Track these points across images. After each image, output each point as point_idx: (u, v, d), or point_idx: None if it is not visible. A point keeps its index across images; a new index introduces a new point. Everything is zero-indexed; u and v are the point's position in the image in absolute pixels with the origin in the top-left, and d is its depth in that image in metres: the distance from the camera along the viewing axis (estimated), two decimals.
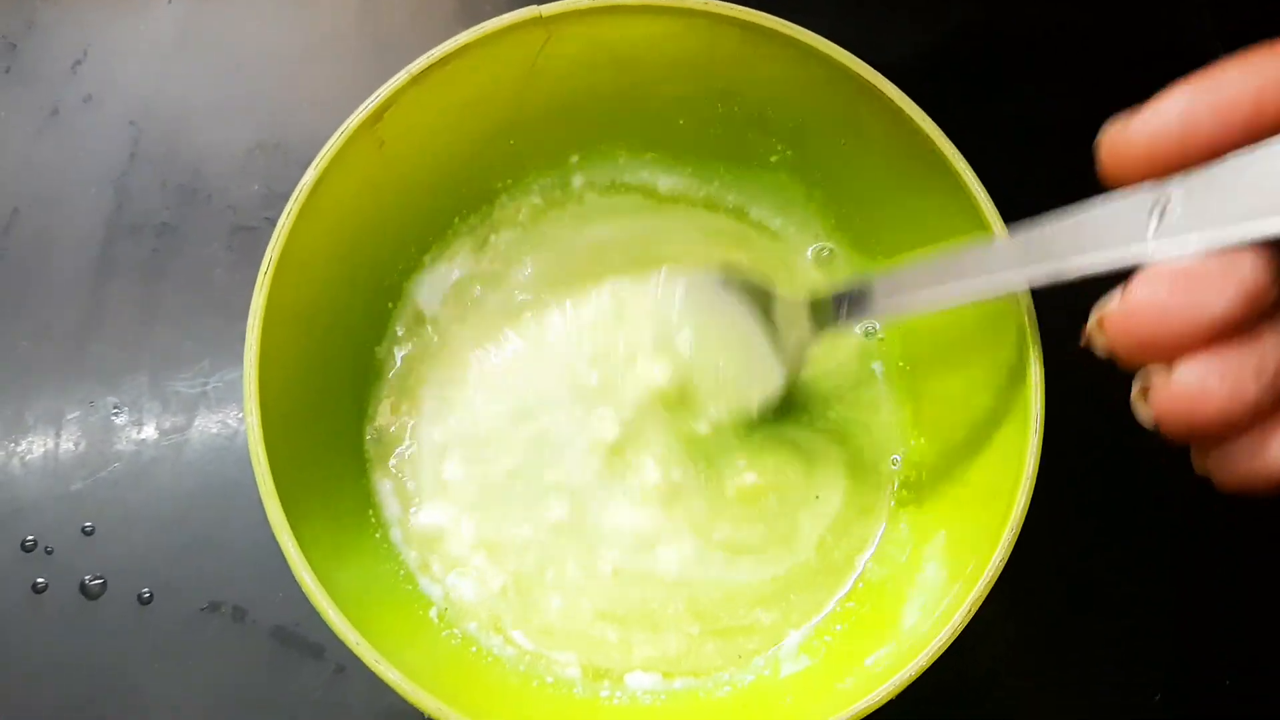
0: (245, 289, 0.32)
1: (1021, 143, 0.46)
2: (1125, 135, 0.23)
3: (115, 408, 0.43)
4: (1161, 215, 0.23)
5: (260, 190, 0.46)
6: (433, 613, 0.38)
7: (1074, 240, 0.25)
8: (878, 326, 0.42)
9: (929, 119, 0.34)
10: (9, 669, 0.40)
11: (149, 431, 0.43)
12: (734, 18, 0.35)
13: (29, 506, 0.42)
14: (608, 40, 0.36)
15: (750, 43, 0.35)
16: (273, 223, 0.45)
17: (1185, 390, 0.22)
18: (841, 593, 0.39)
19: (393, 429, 0.39)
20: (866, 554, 0.40)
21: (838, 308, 0.35)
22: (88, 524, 0.41)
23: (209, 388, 0.43)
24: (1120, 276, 0.23)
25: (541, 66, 0.36)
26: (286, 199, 0.45)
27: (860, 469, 0.40)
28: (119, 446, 0.42)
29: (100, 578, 0.41)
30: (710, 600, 0.39)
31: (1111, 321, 0.23)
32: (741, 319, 0.38)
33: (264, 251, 0.33)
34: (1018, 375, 0.34)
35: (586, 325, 0.41)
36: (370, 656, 0.30)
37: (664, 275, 0.41)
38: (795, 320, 0.37)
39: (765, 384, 0.38)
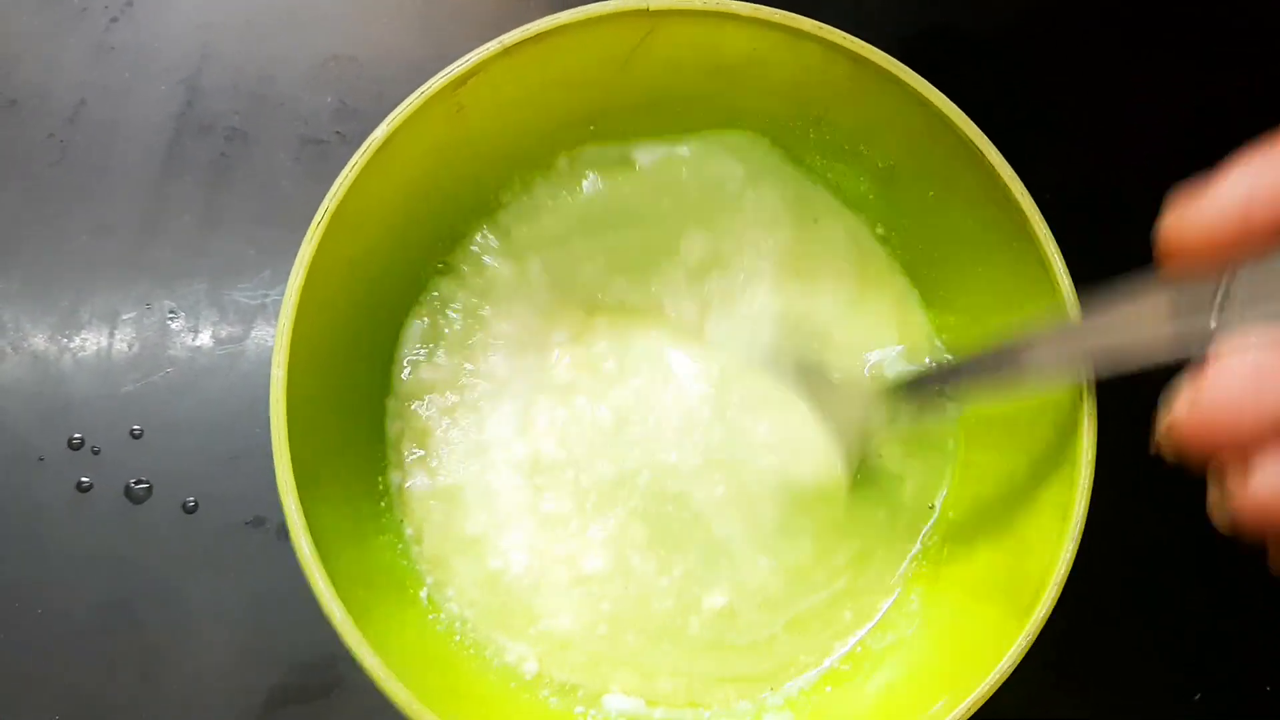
0: (312, 202, 0.31)
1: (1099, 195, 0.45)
2: (1184, 223, 0.23)
3: (171, 312, 0.42)
4: (1227, 297, 0.22)
5: (332, 103, 0.45)
6: (423, 594, 0.37)
7: (1136, 328, 0.25)
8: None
9: (1021, 184, 0.33)
10: (50, 565, 0.40)
11: (204, 339, 0.42)
12: (846, 48, 0.33)
13: (78, 404, 0.41)
14: (711, 45, 0.35)
15: (857, 76, 0.34)
16: (343, 137, 0.45)
17: (1266, 494, 0.21)
18: (839, 654, 0.38)
19: (417, 410, 0.38)
20: (871, 620, 0.38)
21: (909, 398, 0.34)
22: (136, 427, 0.41)
23: (269, 299, 0.42)
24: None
25: (638, 59, 0.35)
26: (358, 114, 0.45)
27: (889, 529, 0.39)
28: (173, 352, 0.42)
29: (146, 482, 0.40)
30: (703, 640, 0.37)
31: (1181, 424, 0.22)
32: (800, 399, 0.37)
33: (332, 166, 0.32)
34: (1066, 471, 0.32)
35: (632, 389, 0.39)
36: (353, 639, 0.29)
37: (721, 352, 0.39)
38: (857, 408, 0.36)
39: (823, 472, 0.37)
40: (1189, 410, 0.22)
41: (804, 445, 0.37)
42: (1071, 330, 0.27)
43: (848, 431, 0.36)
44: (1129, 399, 0.42)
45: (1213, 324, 0.22)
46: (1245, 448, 0.21)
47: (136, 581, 0.40)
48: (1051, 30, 0.48)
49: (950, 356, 0.39)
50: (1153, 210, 0.24)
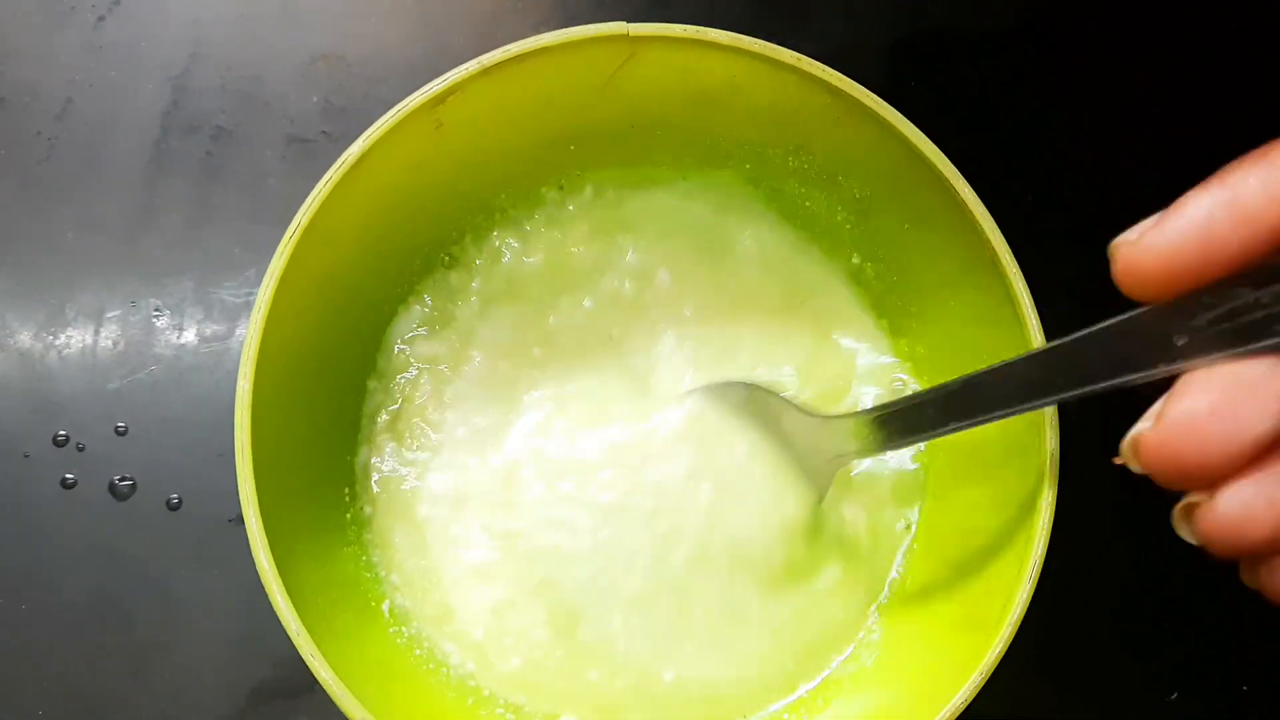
0: (298, 201, 0.32)
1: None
2: (1140, 249, 0.22)
3: (157, 309, 0.42)
4: (1189, 327, 0.22)
5: (319, 102, 0.45)
6: (385, 606, 0.37)
7: (1099, 358, 0.24)
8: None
9: (992, 220, 0.33)
10: (35, 562, 0.40)
11: (189, 337, 0.42)
12: (823, 80, 0.34)
13: (64, 401, 0.41)
14: (690, 72, 0.35)
15: (834, 107, 0.34)
16: (330, 137, 0.45)
17: (1230, 517, 0.21)
18: (808, 686, 0.38)
19: (387, 428, 0.38)
20: (843, 653, 0.38)
21: (874, 430, 0.33)
22: (121, 424, 0.41)
23: (254, 298, 0.42)
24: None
25: (618, 84, 0.35)
26: (345, 113, 0.45)
27: (851, 562, 0.39)
28: (158, 349, 0.42)
29: (130, 479, 0.41)
30: (665, 679, 0.37)
31: (1146, 445, 0.22)
32: (764, 436, 0.37)
33: (319, 165, 0.32)
34: (1028, 508, 0.33)
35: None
36: (307, 650, 0.29)
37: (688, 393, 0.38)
38: (821, 439, 0.35)
39: (792, 507, 0.37)
40: (1153, 428, 0.22)
41: (770, 482, 0.37)
42: (1037, 358, 0.27)
43: (814, 464, 0.36)
44: (1101, 397, 0.42)
45: (1179, 343, 0.22)
46: (1209, 475, 0.21)
47: (122, 577, 0.40)
48: (1047, 31, 0.48)
49: (916, 388, 0.39)
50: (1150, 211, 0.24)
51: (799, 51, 0.34)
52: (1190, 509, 0.22)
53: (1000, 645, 0.31)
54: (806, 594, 0.38)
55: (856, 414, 0.34)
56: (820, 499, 0.37)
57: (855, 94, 0.33)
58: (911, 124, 0.34)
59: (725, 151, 0.39)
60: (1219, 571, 0.42)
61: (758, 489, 0.37)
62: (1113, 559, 0.43)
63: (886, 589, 0.39)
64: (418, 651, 0.36)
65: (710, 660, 0.37)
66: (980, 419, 0.29)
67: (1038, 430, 0.32)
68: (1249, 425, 0.20)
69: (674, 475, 0.37)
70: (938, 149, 0.33)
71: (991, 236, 0.33)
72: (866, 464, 0.39)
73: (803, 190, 0.39)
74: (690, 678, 0.37)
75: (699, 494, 0.37)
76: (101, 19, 0.45)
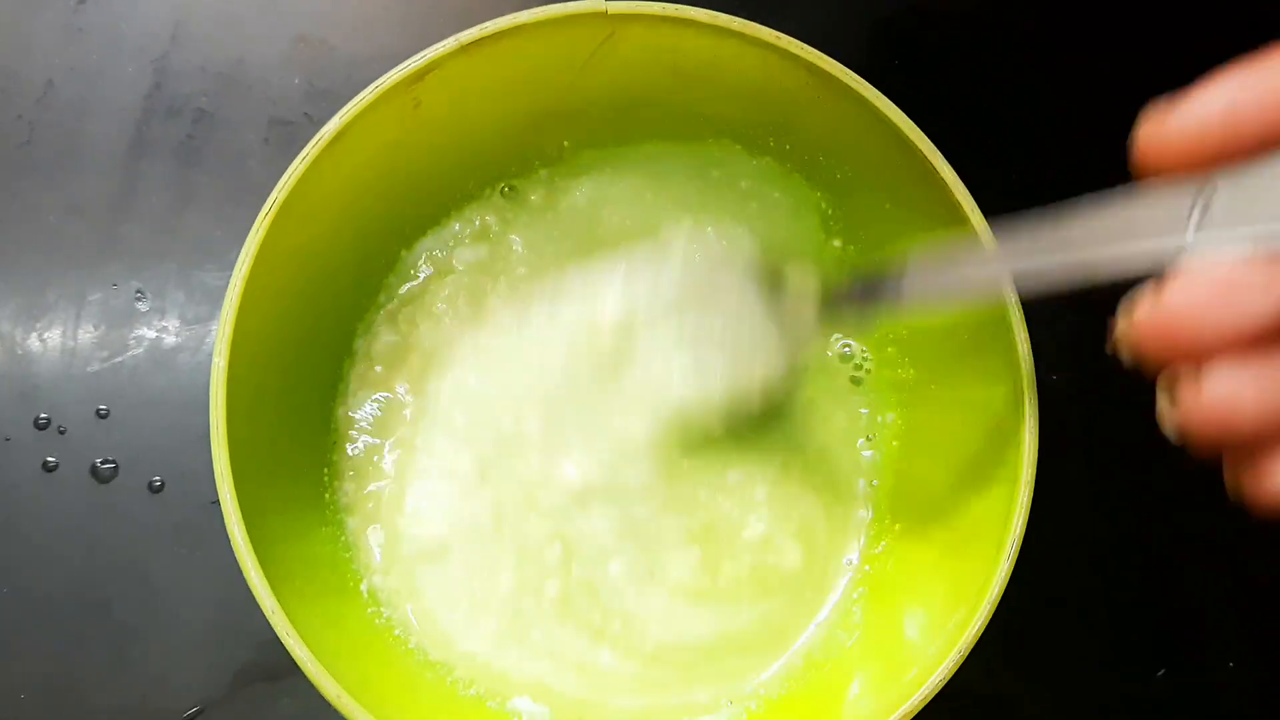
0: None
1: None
2: (1164, 128, 0.22)
3: (139, 292, 0.42)
4: (1204, 211, 0.21)
5: (301, 84, 0.45)
6: (363, 586, 0.37)
7: (1109, 233, 0.24)
8: (868, 358, 0.40)
9: (972, 200, 0.33)
10: (17, 545, 0.40)
11: (171, 320, 0.42)
12: (803, 59, 0.33)
13: (45, 384, 0.41)
14: (670, 51, 0.35)
15: (815, 86, 0.34)
16: (312, 119, 0.44)
17: (1217, 399, 0.21)
18: (777, 665, 0.38)
19: (364, 402, 0.38)
20: (812, 631, 0.38)
21: (852, 294, 0.33)
22: (103, 407, 0.41)
23: None
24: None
25: (597, 62, 0.35)
26: (327, 95, 0.45)
27: (825, 544, 0.39)
28: (140, 332, 0.42)
29: (112, 462, 0.40)
30: (645, 652, 0.37)
31: (1143, 322, 0.21)
32: (747, 295, 0.36)
33: (301, 147, 0.32)
34: (1005, 490, 0.33)
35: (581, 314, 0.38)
36: (282, 628, 0.29)
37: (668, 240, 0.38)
38: (802, 304, 0.35)
39: (766, 369, 0.36)
40: (1151, 311, 0.21)
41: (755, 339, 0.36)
42: (1036, 238, 0.26)
43: (792, 328, 0.35)
44: (1080, 370, 0.42)
45: (1189, 238, 0.21)
46: (1201, 355, 0.21)
47: (104, 560, 0.40)
48: (1028, 9, 0.48)
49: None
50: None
51: (780, 31, 0.34)
52: (1174, 385, 0.21)
53: (980, 621, 0.31)
54: (773, 571, 0.38)
55: (841, 283, 0.34)
56: (792, 366, 0.36)
57: (835, 72, 0.33)
58: (891, 103, 0.33)
59: (706, 131, 0.39)
60: (1205, 547, 0.43)
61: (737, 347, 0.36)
62: (1097, 535, 0.43)
63: (865, 567, 0.39)
64: (396, 631, 0.36)
65: (684, 625, 0.37)
66: (964, 287, 0.28)
67: (1017, 410, 0.32)
68: (1248, 309, 0.20)
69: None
70: (917, 128, 0.33)
71: (972, 216, 0.33)
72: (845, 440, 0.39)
73: (783, 170, 0.39)
74: (670, 643, 0.37)
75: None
76: (82, 1, 0.44)
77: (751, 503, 0.38)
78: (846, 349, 0.40)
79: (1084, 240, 0.25)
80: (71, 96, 0.44)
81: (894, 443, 0.40)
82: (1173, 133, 0.22)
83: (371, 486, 0.38)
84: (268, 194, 0.32)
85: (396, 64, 0.33)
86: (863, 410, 0.40)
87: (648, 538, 0.37)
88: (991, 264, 0.28)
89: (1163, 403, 0.22)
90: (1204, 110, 0.21)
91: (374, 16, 0.46)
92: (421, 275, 0.39)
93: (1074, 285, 0.25)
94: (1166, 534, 0.44)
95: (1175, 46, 0.47)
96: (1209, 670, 0.43)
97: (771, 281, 0.36)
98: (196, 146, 0.43)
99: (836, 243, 0.40)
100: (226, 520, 0.30)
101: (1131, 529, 0.43)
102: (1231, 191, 0.21)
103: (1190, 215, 0.22)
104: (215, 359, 0.30)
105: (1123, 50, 0.47)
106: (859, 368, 0.40)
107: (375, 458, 0.38)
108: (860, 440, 0.40)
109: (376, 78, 0.32)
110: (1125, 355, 0.22)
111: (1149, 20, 0.48)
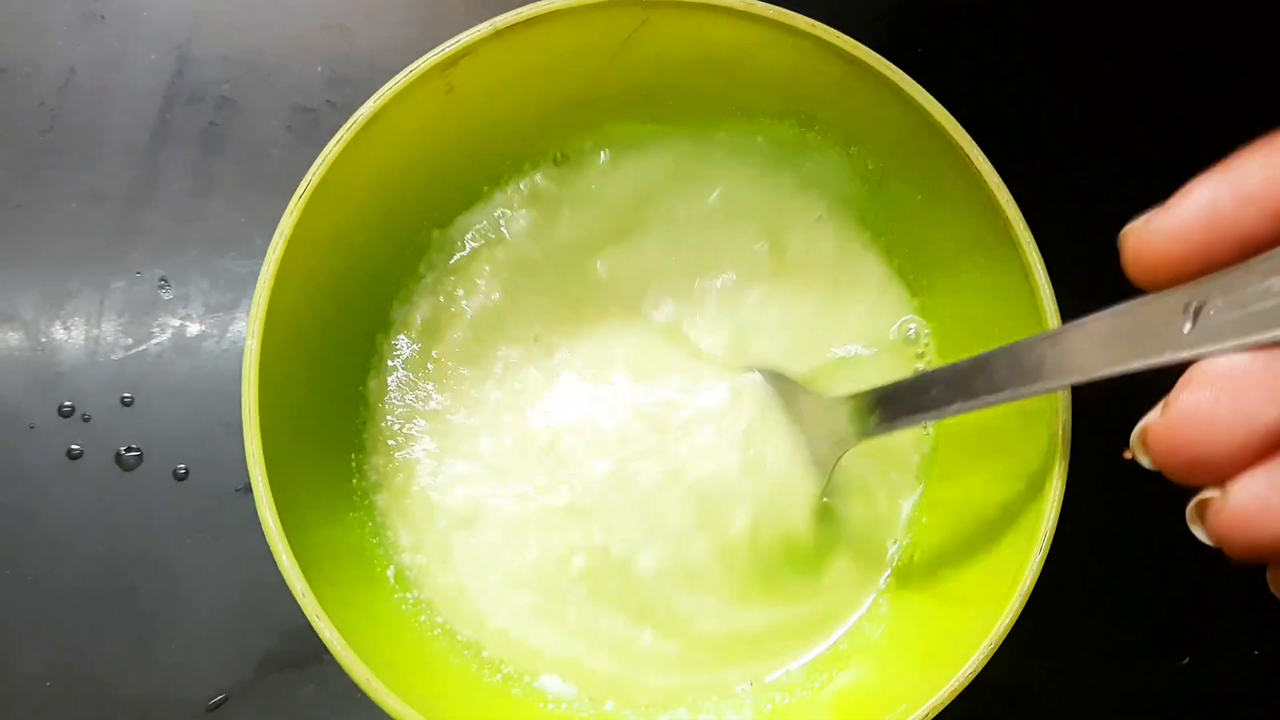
0: (303, 170, 0.32)
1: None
2: (1147, 234, 0.22)
3: (162, 280, 0.42)
4: (1196, 315, 0.21)
5: (323, 71, 0.44)
6: (390, 572, 0.37)
7: (1104, 345, 0.24)
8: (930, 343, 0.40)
9: (1007, 191, 0.33)
10: (41, 532, 0.40)
11: (195, 307, 0.42)
12: (838, 47, 0.33)
13: (69, 372, 0.41)
14: (704, 38, 0.35)
15: (849, 75, 0.34)
16: (334, 106, 0.44)
17: (1244, 511, 0.20)
18: (807, 656, 0.38)
19: (397, 392, 0.38)
20: (845, 624, 0.38)
21: (879, 410, 0.33)
22: (127, 395, 0.41)
23: (259, 267, 0.42)
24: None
25: (631, 49, 0.35)
26: (349, 82, 0.45)
27: (860, 537, 0.39)
28: (164, 319, 0.42)
29: (137, 450, 0.40)
30: (666, 652, 0.37)
31: (1155, 437, 0.21)
32: (782, 421, 0.37)
33: (323, 134, 0.32)
34: (1039, 481, 0.32)
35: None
36: (312, 610, 0.29)
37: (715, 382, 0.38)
38: (830, 421, 0.35)
39: (803, 489, 0.37)
40: (1162, 420, 0.21)
41: (779, 460, 0.37)
42: (1044, 341, 0.27)
43: (821, 450, 0.36)
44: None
45: (1187, 331, 0.21)
46: (1222, 465, 0.21)
47: (128, 548, 0.40)
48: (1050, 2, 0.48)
49: (924, 369, 0.39)
50: (1156, 199, 0.23)
51: (805, 16, 0.33)
52: (1203, 506, 0.21)
53: (1010, 616, 0.31)
54: (811, 570, 0.38)
55: (865, 393, 0.34)
56: (823, 486, 0.37)
57: (870, 61, 0.33)
58: (926, 92, 0.33)
59: (739, 119, 0.39)
60: None
61: (771, 474, 0.37)
62: (1119, 523, 0.43)
63: (893, 562, 0.39)
64: (422, 618, 0.36)
65: (717, 622, 0.37)
66: (986, 400, 0.29)
67: (1050, 403, 0.32)
68: (1259, 414, 0.20)
69: (696, 451, 0.37)
70: (953, 117, 0.33)
71: (1007, 208, 0.33)
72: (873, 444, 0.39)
73: (815, 162, 0.39)
74: (702, 635, 0.37)
75: (719, 471, 0.37)
76: None
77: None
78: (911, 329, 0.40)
79: (1083, 356, 0.25)
80: (93, 84, 0.44)
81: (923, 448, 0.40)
82: (1155, 239, 0.22)
83: (400, 458, 0.37)
84: (290, 181, 0.32)
85: (417, 51, 0.32)
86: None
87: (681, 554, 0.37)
88: (1001, 375, 0.29)
89: (1192, 511, 0.22)
90: (1184, 215, 0.21)
91: (395, 4, 0.46)
92: (457, 255, 0.39)
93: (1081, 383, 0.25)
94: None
95: (1217, 34, 0.47)
96: (1233, 659, 0.43)
97: (793, 399, 0.37)
98: (218, 134, 0.43)
99: (867, 234, 0.40)
100: (258, 503, 0.30)
101: (1154, 517, 0.43)
102: (1224, 293, 0.21)
103: (1184, 320, 0.22)
104: (248, 340, 0.30)
105: (1160, 37, 0.47)
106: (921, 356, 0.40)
107: (406, 431, 0.38)
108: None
109: (399, 64, 0.32)
110: (1144, 464, 0.22)
111: (1187, 6, 0.47)
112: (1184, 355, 0.22)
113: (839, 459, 0.36)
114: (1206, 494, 0.21)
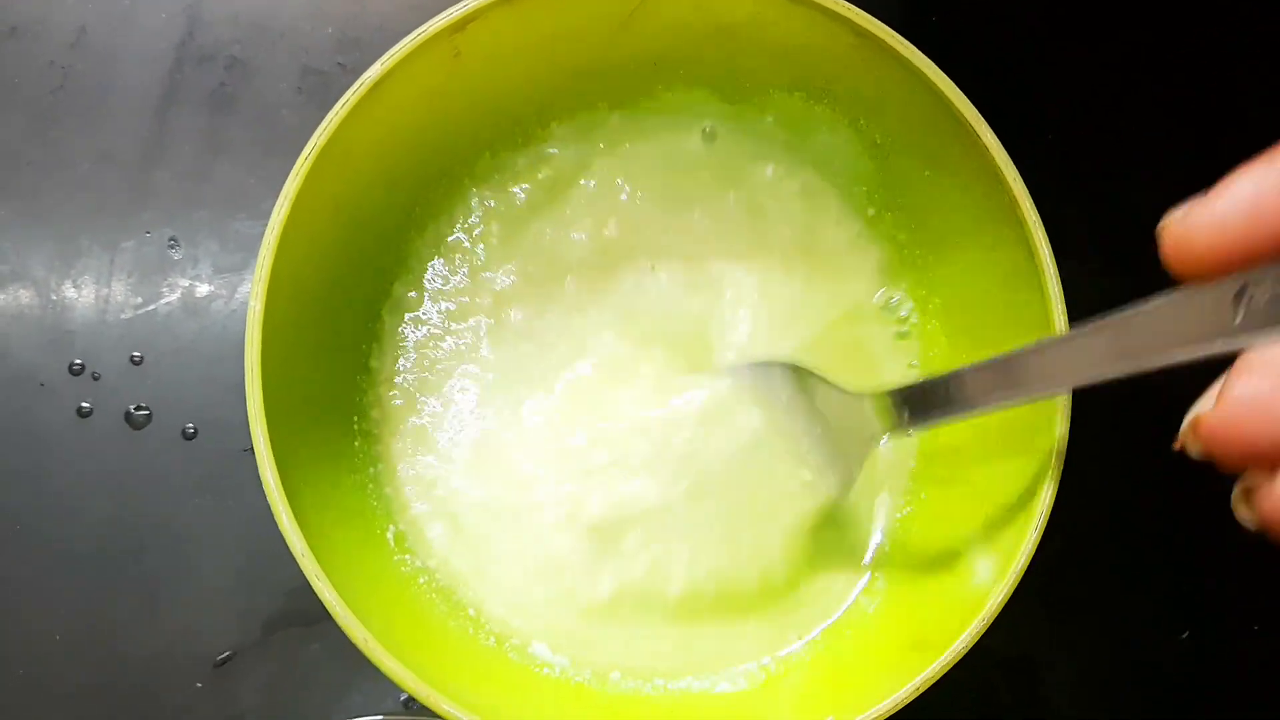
0: (311, 132, 0.31)
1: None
2: (1188, 226, 0.21)
3: (172, 240, 0.42)
4: (1248, 303, 0.21)
5: (334, 33, 0.44)
6: (389, 534, 0.37)
7: (1152, 335, 0.24)
8: (913, 310, 0.40)
9: (1015, 169, 0.33)
10: (50, 489, 0.40)
11: (204, 268, 0.42)
12: (848, 19, 0.33)
13: (79, 330, 0.41)
14: (715, 8, 0.34)
15: (859, 48, 0.34)
16: (345, 68, 0.44)
17: None
18: (811, 635, 0.38)
19: (399, 356, 0.38)
20: (846, 601, 0.38)
21: (904, 408, 0.33)
22: (137, 354, 0.41)
23: None
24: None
25: (641, 18, 0.35)
26: (360, 44, 0.45)
27: (856, 512, 0.39)
28: (173, 279, 0.42)
29: (146, 409, 0.41)
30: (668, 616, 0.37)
31: (1207, 426, 0.21)
32: (803, 413, 0.36)
33: (334, 96, 0.32)
34: (1036, 459, 0.32)
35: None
36: (311, 570, 0.29)
37: (723, 370, 0.38)
38: (857, 416, 0.35)
39: (822, 483, 0.36)
40: (1215, 409, 0.21)
41: (796, 453, 0.37)
42: (1085, 335, 0.26)
43: (846, 448, 0.36)
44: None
45: (1238, 320, 0.21)
46: (1275, 449, 0.20)
47: (137, 506, 0.40)
48: None
49: (925, 348, 0.39)
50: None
51: None
52: (1250, 492, 0.21)
53: (1006, 588, 0.31)
54: (805, 551, 0.38)
55: (894, 390, 0.33)
56: (854, 481, 0.36)
57: (880, 34, 0.33)
58: (936, 67, 0.33)
59: (747, 92, 0.39)
60: (1230, 509, 0.43)
61: (787, 474, 0.37)
62: (1120, 496, 0.43)
63: (889, 536, 0.39)
64: (421, 580, 0.37)
65: (723, 607, 0.37)
66: (1021, 397, 0.29)
67: (1045, 423, 0.32)
68: None
69: (707, 437, 0.37)
70: (961, 93, 0.33)
71: (1015, 186, 0.32)
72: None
73: (823, 136, 0.39)
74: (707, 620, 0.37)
75: (732, 458, 0.37)
76: None
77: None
78: (894, 300, 0.40)
79: (1134, 344, 0.24)
80: (103, 43, 0.44)
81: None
82: (1196, 231, 0.21)
83: (400, 423, 0.38)
84: (300, 143, 0.31)
85: (428, 14, 0.32)
86: (913, 363, 0.40)
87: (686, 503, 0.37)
88: (1043, 386, 0.28)
89: (1239, 494, 0.22)
90: (1226, 206, 0.21)
91: None
92: (462, 221, 0.39)
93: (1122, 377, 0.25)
94: (1191, 496, 0.43)
95: (1228, 12, 0.46)
96: (1233, 633, 0.43)
97: (814, 393, 0.36)
98: (229, 95, 0.43)
99: (872, 210, 0.40)
100: (259, 463, 0.30)
101: (1156, 491, 0.43)
102: (1271, 285, 0.21)
103: (1234, 308, 0.21)
104: (252, 302, 0.30)
105: (1172, 13, 0.47)
106: (904, 321, 0.40)
107: (407, 396, 0.38)
108: None
109: (408, 28, 0.32)
110: (1193, 453, 0.22)
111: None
112: (1236, 344, 0.21)
113: (868, 455, 0.36)
114: (1253, 479, 0.21)
